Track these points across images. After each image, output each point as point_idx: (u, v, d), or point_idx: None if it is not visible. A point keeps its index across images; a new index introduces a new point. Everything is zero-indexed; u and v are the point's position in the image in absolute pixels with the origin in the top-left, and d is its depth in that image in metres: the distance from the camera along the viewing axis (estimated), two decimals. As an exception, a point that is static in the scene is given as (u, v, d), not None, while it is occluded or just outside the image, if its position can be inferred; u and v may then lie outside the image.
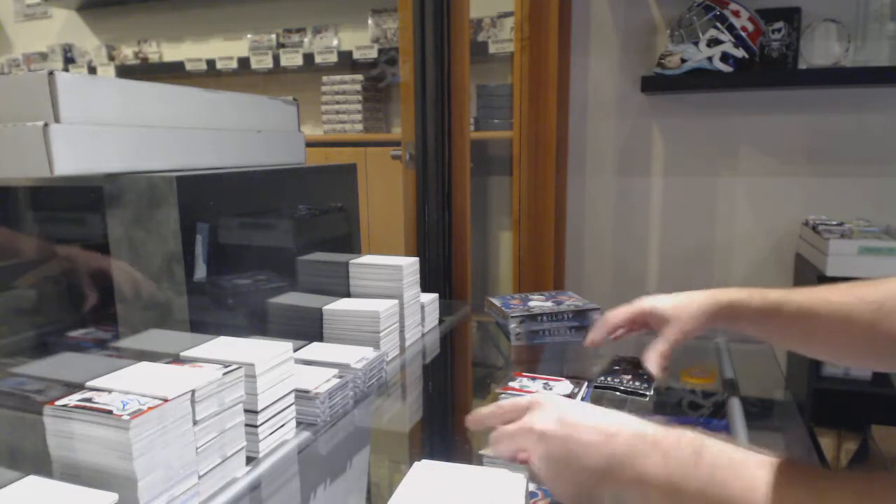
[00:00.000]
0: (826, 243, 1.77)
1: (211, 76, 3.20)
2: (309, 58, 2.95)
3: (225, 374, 0.67)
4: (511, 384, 0.91)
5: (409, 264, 1.17)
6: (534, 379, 0.93)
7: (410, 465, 0.63)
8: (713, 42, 1.99)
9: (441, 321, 1.34)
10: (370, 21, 2.95)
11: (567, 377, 0.94)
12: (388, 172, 2.57)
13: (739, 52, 1.99)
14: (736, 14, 1.98)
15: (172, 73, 3.26)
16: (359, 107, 2.90)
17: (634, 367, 1.04)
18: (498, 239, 2.78)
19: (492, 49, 2.62)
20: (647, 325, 0.94)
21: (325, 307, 1.07)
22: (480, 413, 0.68)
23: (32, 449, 0.63)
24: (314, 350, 0.98)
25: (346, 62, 2.91)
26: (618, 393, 0.97)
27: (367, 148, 2.70)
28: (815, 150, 2.14)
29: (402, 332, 1.15)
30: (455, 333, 1.39)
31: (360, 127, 2.91)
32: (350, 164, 1.38)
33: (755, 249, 2.26)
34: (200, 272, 0.90)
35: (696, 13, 2.02)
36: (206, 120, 1.07)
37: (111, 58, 3.47)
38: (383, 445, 0.93)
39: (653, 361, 0.87)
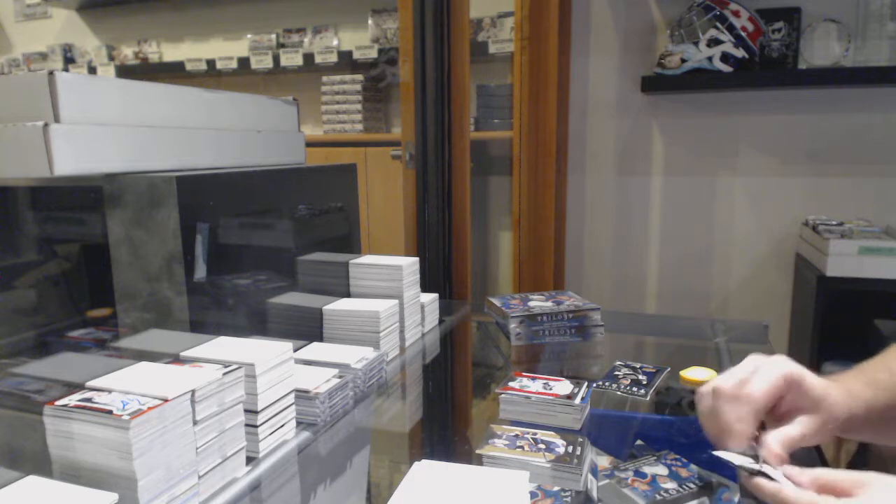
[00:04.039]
0: (826, 243, 1.77)
1: (211, 76, 3.20)
2: (309, 58, 2.95)
3: (225, 374, 0.67)
4: (511, 384, 0.91)
5: (409, 264, 1.17)
6: (534, 379, 0.93)
7: (410, 465, 0.63)
8: (713, 42, 1.99)
9: (441, 321, 1.34)
10: (370, 21, 2.95)
11: (567, 377, 0.94)
12: (388, 172, 2.57)
13: (739, 52, 1.99)
14: (736, 14, 1.98)
15: (172, 73, 3.26)
16: (359, 107, 2.90)
17: (633, 371, 1.04)
18: (498, 239, 2.78)
19: (492, 49, 2.62)
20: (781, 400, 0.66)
21: (325, 307, 1.07)
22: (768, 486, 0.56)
23: (32, 449, 0.63)
24: (314, 350, 0.98)
25: (346, 62, 2.91)
26: (618, 393, 0.97)
27: (367, 148, 2.70)
28: (815, 150, 2.14)
29: (402, 332, 1.15)
30: (455, 333, 1.39)
31: (360, 127, 2.91)
32: (350, 164, 1.38)
33: (755, 249, 2.26)
34: (200, 272, 0.90)
35: (696, 13, 2.02)
36: (206, 120, 1.07)
37: (111, 58, 3.47)
38: (383, 445, 0.93)
39: (774, 450, 0.61)
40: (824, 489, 0.55)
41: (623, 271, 2.44)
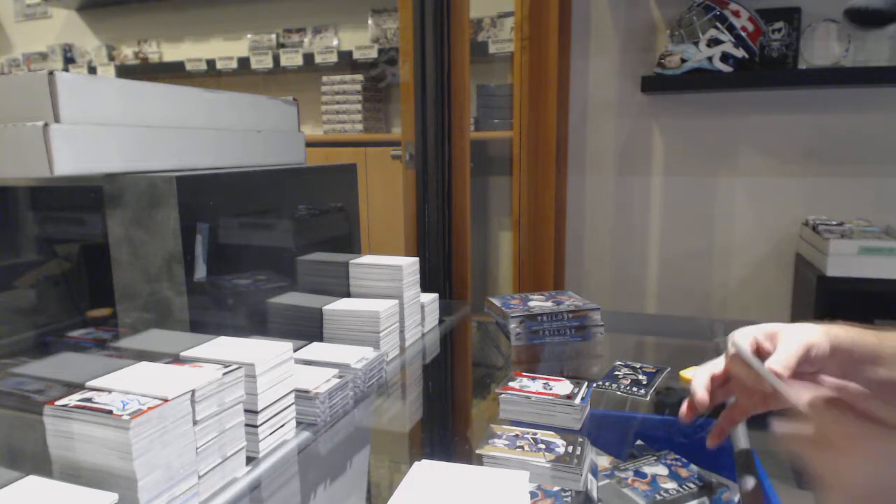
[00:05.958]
0: (826, 243, 1.77)
1: (211, 76, 3.20)
2: (309, 58, 2.95)
3: (225, 374, 0.67)
4: (511, 384, 0.91)
5: (409, 264, 1.17)
6: (534, 379, 0.93)
7: (410, 465, 0.63)
8: (713, 42, 1.99)
9: (441, 321, 1.34)
10: (370, 21, 2.95)
11: (567, 377, 0.94)
12: (388, 172, 2.57)
13: (739, 52, 1.99)
14: (736, 14, 1.98)
15: (172, 73, 3.26)
16: (359, 107, 2.90)
17: (633, 371, 1.04)
18: (498, 239, 2.78)
19: (492, 49, 2.62)
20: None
21: (325, 307, 1.07)
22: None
23: (32, 449, 0.63)
24: (314, 350, 0.98)
25: (346, 62, 2.91)
26: (618, 393, 0.97)
27: (367, 148, 2.70)
28: (815, 150, 2.14)
29: (402, 332, 1.15)
30: (455, 333, 1.39)
31: (360, 127, 2.91)
32: (350, 164, 1.38)
33: (755, 249, 2.26)
34: (200, 272, 0.90)
35: (696, 13, 2.02)
36: (206, 120, 1.07)
37: (111, 58, 3.47)
38: (383, 445, 0.93)
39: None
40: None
41: (623, 271, 2.44)
